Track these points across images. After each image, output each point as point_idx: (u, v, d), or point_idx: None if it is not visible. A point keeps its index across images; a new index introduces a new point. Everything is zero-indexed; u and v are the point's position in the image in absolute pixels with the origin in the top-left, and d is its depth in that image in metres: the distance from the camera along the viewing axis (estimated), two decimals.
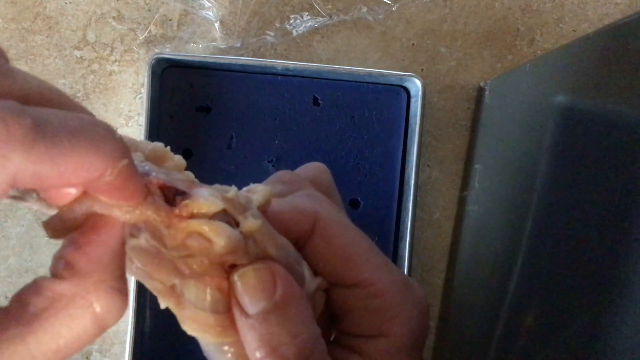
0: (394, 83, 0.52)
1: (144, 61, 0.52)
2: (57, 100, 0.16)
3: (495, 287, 0.41)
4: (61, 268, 0.17)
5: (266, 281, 0.18)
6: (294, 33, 0.53)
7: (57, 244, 0.49)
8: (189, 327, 0.19)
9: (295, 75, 0.51)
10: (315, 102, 0.51)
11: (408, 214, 0.50)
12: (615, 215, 0.29)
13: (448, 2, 0.54)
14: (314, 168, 0.25)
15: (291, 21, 0.53)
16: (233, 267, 0.19)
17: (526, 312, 0.36)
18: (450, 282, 0.53)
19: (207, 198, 0.18)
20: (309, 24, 0.53)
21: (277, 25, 0.53)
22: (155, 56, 0.48)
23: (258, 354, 0.18)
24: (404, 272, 0.27)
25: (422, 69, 0.54)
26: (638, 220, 0.27)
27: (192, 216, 0.18)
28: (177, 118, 0.50)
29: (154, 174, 0.18)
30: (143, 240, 0.18)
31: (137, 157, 0.18)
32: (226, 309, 0.19)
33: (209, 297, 0.18)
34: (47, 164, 0.14)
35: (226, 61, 0.50)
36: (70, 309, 0.16)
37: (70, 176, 0.15)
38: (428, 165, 0.54)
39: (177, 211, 0.17)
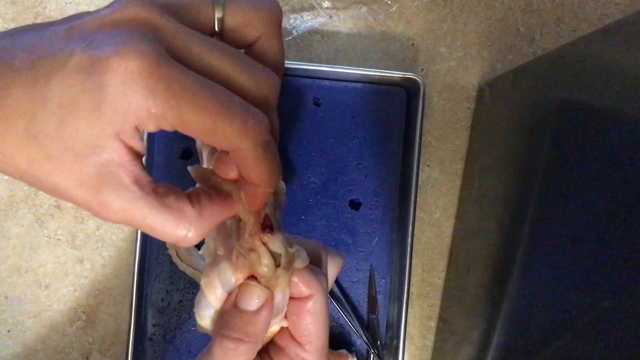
0: (394, 83, 0.52)
1: None
2: (275, 134, 0.27)
3: (495, 287, 0.41)
4: (192, 192, 0.25)
5: (260, 299, 0.28)
6: (294, 33, 0.53)
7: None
8: (204, 281, 0.28)
9: (295, 76, 0.51)
10: (316, 102, 0.51)
11: (408, 214, 0.50)
12: (614, 214, 0.29)
13: (448, 2, 0.54)
14: (336, 258, 0.33)
15: (291, 21, 0.53)
16: (253, 277, 0.28)
17: (526, 312, 0.36)
18: (450, 282, 0.53)
19: (279, 243, 0.28)
20: (309, 24, 0.53)
21: None
22: None
23: (220, 330, 0.28)
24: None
25: (422, 69, 0.54)
26: (638, 219, 0.27)
27: (264, 243, 0.27)
28: None
29: (268, 205, 0.28)
30: (229, 221, 0.29)
31: None
32: (229, 291, 0.28)
33: (228, 278, 0.28)
34: (251, 161, 0.24)
35: None
36: (174, 221, 0.24)
37: (253, 177, 0.25)
38: (428, 165, 0.54)
39: (261, 235, 0.27)
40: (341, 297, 0.51)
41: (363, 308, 0.52)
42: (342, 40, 0.54)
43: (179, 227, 0.24)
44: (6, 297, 0.52)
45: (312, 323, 0.29)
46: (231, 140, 0.23)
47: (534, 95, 0.42)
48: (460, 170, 0.54)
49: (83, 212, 0.52)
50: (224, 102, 0.22)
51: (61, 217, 0.52)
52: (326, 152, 0.51)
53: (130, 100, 0.21)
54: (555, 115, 0.37)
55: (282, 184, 0.30)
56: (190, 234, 0.24)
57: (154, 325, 0.50)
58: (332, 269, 0.33)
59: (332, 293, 0.51)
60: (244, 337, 0.27)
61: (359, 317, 0.52)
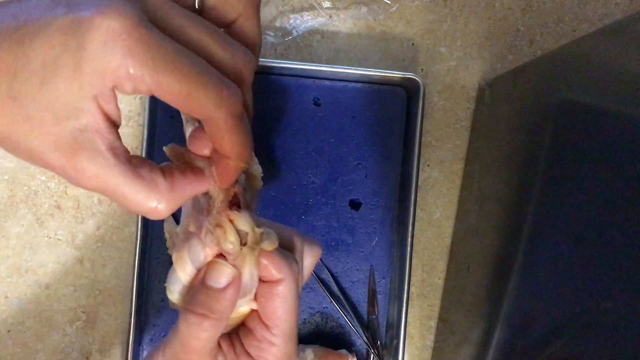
0: (394, 83, 0.52)
1: None
2: (249, 111, 0.28)
3: (495, 287, 0.41)
4: (165, 166, 0.26)
5: (227, 277, 0.28)
6: (294, 33, 0.53)
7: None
8: (175, 256, 0.29)
9: (295, 76, 0.51)
10: (316, 102, 0.51)
11: (408, 214, 0.50)
12: (614, 213, 0.29)
13: (448, 2, 0.54)
14: (314, 248, 0.34)
15: (291, 21, 0.53)
16: (223, 256, 0.29)
17: (526, 312, 0.36)
18: (450, 282, 0.53)
19: (245, 221, 0.28)
20: (309, 24, 0.53)
21: (277, 25, 0.53)
22: None
23: (187, 305, 0.28)
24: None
25: (422, 69, 0.54)
26: (638, 218, 0.27)
27: (231, 220, 0.28)
28: (177, 118, 0.50)
29: (238, 184, 0.29)
30: (202, 198, 0.30)
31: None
32: (198, 267, 0.29)
33: (197, 254, 0.28)
34: (223, 131, 0.25)
35: None
36: (146, 192, 0.24)
37: (224, 147, 0.25)
38: (428, 165, 0.54)
39: (228, 211, 0.28)
40: (341, 297, 0.51)
41: (363, 308, 0.52)
42: (342, 40, 0.54)
43: (150, 198, 0.25)
44: (6, 297, 0.52)
45: (279, 307, 0.29)
46: (205, 108, 0.23)
47: (534, 95, 0.42)
48: (460, 170, 0.54)
49: (83, 212, 0.52)
50: (200, 70, 0.23)
51: (61, 217, 0.52)
52: (326, 152, 0.51)
53: (109, 58, 0.21)
54: (555, 115, 0.37)
55: (259, 168, 0.31)
56: (160, 206, 0.25)
57: (154, 325, 0.50)
58: (310, 258, 0.33)
59: (332, 293, 0.51)
60: (209, 313, 0.28)
61: (359, 317, 0.52)
